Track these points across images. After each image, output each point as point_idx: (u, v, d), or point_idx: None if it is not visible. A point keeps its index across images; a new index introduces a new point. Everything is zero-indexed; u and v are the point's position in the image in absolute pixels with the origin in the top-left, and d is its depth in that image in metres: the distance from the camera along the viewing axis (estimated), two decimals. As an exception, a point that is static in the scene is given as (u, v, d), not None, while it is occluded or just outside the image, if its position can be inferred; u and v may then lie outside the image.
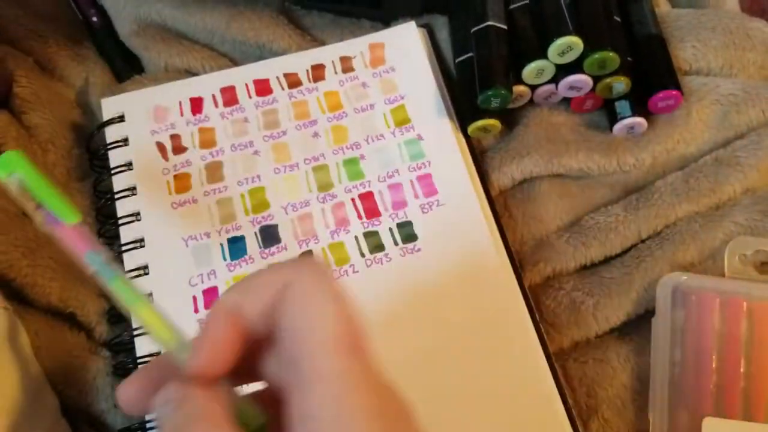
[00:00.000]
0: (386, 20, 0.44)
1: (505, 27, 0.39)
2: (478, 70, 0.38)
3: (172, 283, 0.36)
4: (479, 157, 0.40)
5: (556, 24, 0.38)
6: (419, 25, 0.42)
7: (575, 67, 0.38)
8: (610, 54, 0.37)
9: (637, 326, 0.36)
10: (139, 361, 0.34)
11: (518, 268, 0.37)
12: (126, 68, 0.43)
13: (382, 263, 0.36)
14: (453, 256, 0.37)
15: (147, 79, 0.42)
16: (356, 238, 0.37)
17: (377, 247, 0.37)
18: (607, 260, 0.38)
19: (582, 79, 0.38)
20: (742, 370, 0.34)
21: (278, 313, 0.20)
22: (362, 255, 0.37)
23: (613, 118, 0.40)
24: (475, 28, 0.39)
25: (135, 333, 0.35)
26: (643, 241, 0.38)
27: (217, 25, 0.42)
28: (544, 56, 0.38)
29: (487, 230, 0.37)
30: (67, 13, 0.45)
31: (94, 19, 0.44)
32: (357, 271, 0.36)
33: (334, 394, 0.19)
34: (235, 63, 0.43)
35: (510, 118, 0.41)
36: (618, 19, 0.40)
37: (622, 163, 0.39)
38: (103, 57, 0.44)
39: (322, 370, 0.19)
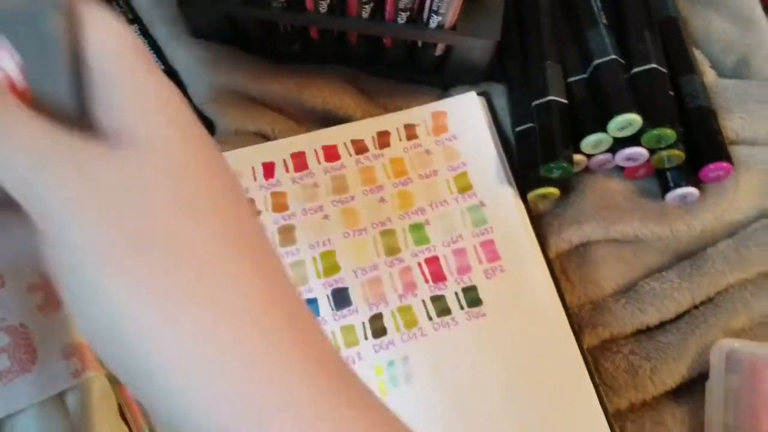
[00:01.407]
0: (446, 86, 0.46)
1: (565, 101, 0.41)
2: (540, 142, 0.40)
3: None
4: (537, 222, 0.42)
5: (617, 101, 0.40)
6: (478, 93, 0.45)
7: (632, 140, 0.40)
8: (668, 130, 0.39)
9: (691, 389, 0.38)
10: None
11: (577, 331, 0.39)
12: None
13: (449, 327, 0.38)
14: (516, 321, 0.38)
15: (219, 141, 0.44)
16: (423, 301, 0.39)
17: (444, 311, 0.39)
18: (662, 325, 0.40)
19: (639, 152, 0.41)
20: (795, 436, 0.36)
21: None
22: (430, 318, 0.39)
23: (666, 187, 0.42)
24: (537, 102, 0.41)
25: None
26: (696, 307, 0.40)
27: (288, 92, 0.44)
28: (603, 130, 0.40)
29: (548, 295, 0.39)
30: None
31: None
32: (425, 335, 0.38)
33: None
34: (303, 127, 0.45)
35: (566, 184, 0.43)
36: (671, 93, 0.42)
37: (674, 230, 0.41)
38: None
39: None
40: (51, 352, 0.35)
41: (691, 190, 0.41)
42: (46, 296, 0.36)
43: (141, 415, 0.37)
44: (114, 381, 0.38)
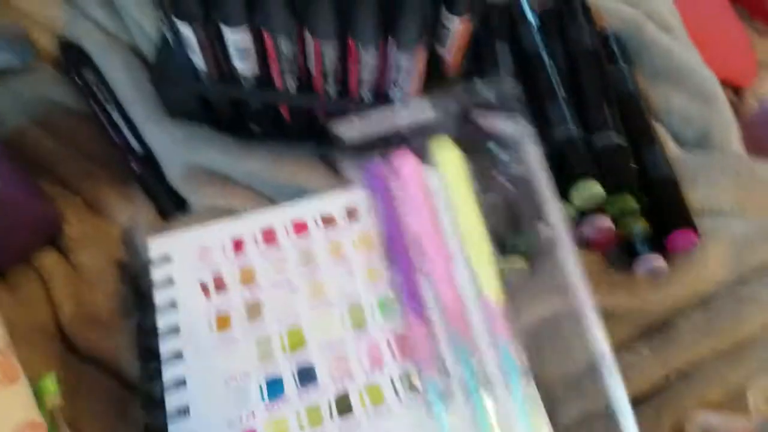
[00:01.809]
0: (414, 162, 0.47)
1: (528, 174, 0.42)
2: (505, 214, 0.41)
3: (212, 425, 0.37)
4: (508, 295, 0.42)
5: (578, 168, 0.41)
6: (446, 168, 0.45)
7: (597, 212, 0.41)
8: (629, 197, 0.40)
9: (669, 466, 0.37)
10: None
11: (552, 406, 0.38)
12: (171, 207, 0.45)
13: (418, 403, 0.37)
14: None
15: (191, 218, 0.44)
16: (392, 379, 0.38)
17: (412, 387, 0.38)
18: (636, 400, 0.39)
19: (603, 221, 0.41)
20: None
21: None
22: (397, 394, 0.38)
23: (634, 259, 0.42)
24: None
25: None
26: (669, 380, 0.39)
27: (259, 170, 0.45)
28: (566, 198, 0.41)
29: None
30: (115, 154, 0.48)
31: (134, 166, 0.47)
32: (391, 411, 0.37)
33: None
34: (273, 202, 0.45)
35: (534, 256, 0.43)
36: (634, 165, 0.43)
37: (645, 302, 0.41)
38: (148, 196, 0.46)
39: None
40: (2, 429, 0.34)
41: (659, 261, 0.41)
42: (2, 371, 0.35)
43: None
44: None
